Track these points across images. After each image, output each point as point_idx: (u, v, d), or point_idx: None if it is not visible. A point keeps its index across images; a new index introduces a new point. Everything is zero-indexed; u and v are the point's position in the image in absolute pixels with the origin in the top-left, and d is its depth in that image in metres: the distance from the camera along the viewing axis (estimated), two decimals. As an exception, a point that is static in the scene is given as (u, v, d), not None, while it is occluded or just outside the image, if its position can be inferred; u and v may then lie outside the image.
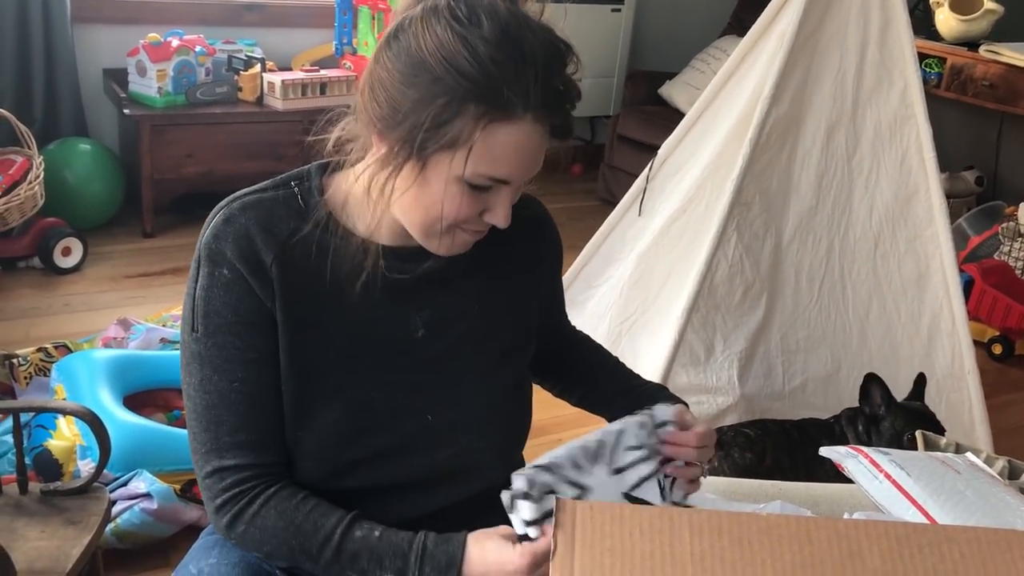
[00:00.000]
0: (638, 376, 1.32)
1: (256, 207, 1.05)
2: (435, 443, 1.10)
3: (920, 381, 2.32)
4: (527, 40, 0.94)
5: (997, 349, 3.41)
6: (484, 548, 0.98)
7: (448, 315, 1.11)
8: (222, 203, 1.07)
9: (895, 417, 2.17)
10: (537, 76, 0.93)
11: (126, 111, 3.46)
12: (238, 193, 1.08)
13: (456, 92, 0.92)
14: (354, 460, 1.08)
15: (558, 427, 2.31)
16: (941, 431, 2.11)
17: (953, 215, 3.44)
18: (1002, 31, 3.85)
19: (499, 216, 1.01)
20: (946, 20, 3.87)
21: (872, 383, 2.22)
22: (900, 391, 2.32)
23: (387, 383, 1.08)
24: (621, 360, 1.35)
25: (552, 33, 0.98)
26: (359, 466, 1.08)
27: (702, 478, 1.13)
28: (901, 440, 2.11)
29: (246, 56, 3.72)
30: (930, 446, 1.52)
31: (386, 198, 1.01)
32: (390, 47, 0.97)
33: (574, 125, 1.01)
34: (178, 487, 2.02)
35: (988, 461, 1.45)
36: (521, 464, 1.18)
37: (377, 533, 1.02)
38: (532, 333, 1.21)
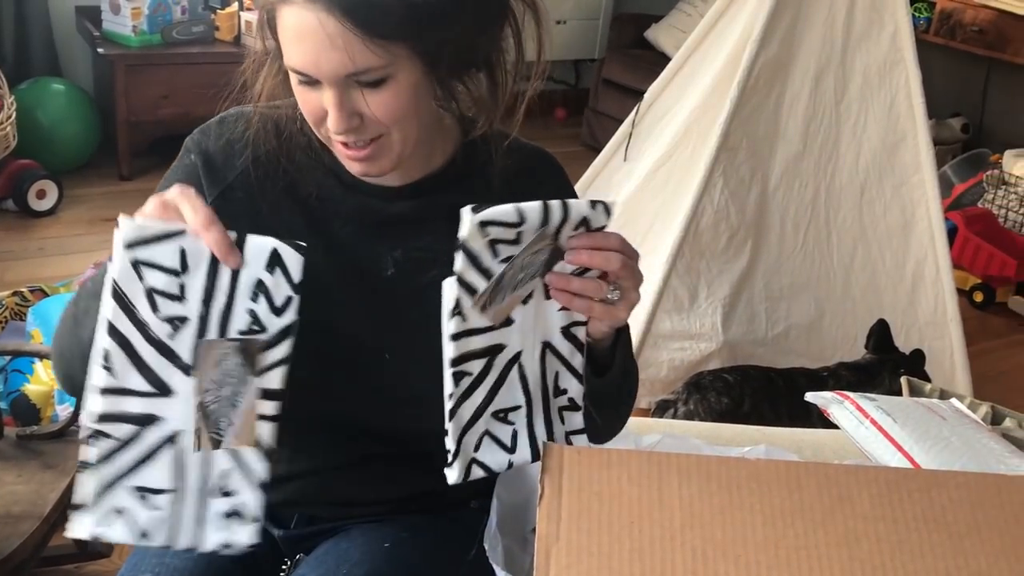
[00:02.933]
0: None
1: (246, 117, 1.05)
2: (390, 384, 1.08)
3: (884, 328, 2.34)
4: None
5: (979, 297, 3.42)
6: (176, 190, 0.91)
7: (422, 257, 1.07)
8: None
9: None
10: None
11: (100, 50, 3.38)
12: (244, 106, 1.07)
13: None
14: (303, 384, 1.06)
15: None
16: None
17: (939, 162, 3.43)
18: (993, -25, 3.80)
19: (331, 118, 0.93)
20: (937, -36, 3.83)
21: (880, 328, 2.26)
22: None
23: (348, 313, 1.06)
24: None
25: None
26: (307, 391, 1.06)
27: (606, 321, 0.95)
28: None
29: (223, -6, 3.63)
30: (915, 392, 1.52)
31: (266, 86, 1.01)
32: None
33: (396, 16, 0.89)
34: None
35: (972, 407, 1.46)
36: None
37: None
38: None
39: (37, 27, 3.52)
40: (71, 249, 3.03)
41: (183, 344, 0.85)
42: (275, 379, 0.89)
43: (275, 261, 0.85)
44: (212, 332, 0.85)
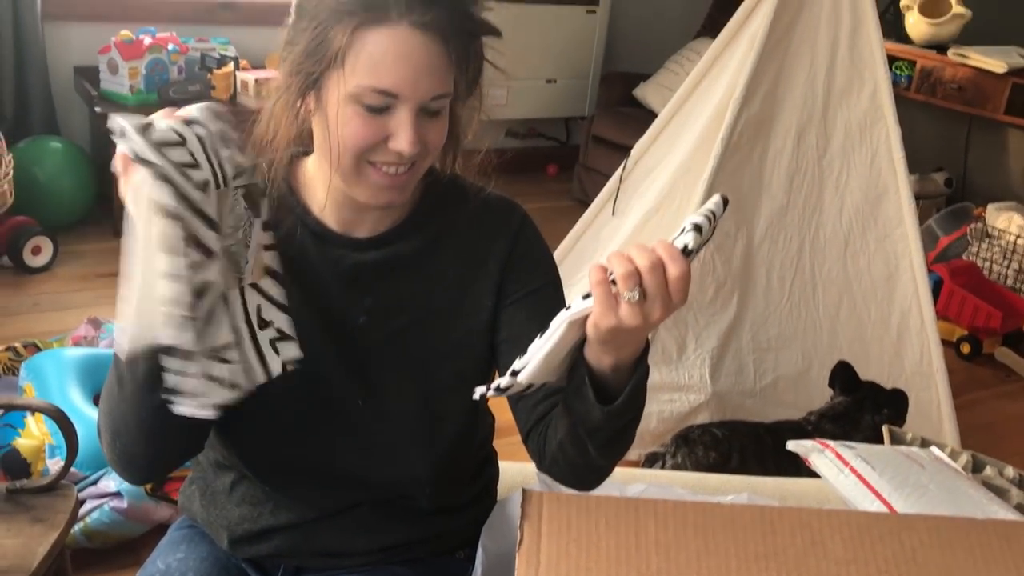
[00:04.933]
0: None
1: None
2: (362, 430, 1.10)
3: (845, 368, 2.36)
4: None
5: (965, 348, 3.45)
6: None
7: (391, 305, 1.10)
8: None
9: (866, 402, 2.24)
10: None
11: (97, 109, 3.43)
12: None
13: (331, 8, 0.94)
14: (279, 429, 1.08)
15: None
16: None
17: (923, 216, 3.49)
18: (970, 34, 3.90)
19: (401, 140, 0.96)
20: (916, 23, 3.92)
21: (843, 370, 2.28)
22: (869, 389, 2.36)
23: (323, 362, 1.08)
24: None
25: None
26: (283, 436, 1.08)
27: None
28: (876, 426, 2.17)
29: (219, 54, 3.70)
30: (896, 440, 1.54)
31: (282, 131, 1.02)
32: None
33: (478, 59, 0.97)
34: (148, 486, 2.01)
35: (952, 455, 1.48)
36: (456, 468, 1.15)
37: None
38: (482, 338, 1.13)
39: (36, 87, 3.58)
40: (66, 305, 3.05)
41: (210, 204, 0.91)
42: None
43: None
44: (221, 184, 0.93)
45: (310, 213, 1.09)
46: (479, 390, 0.92)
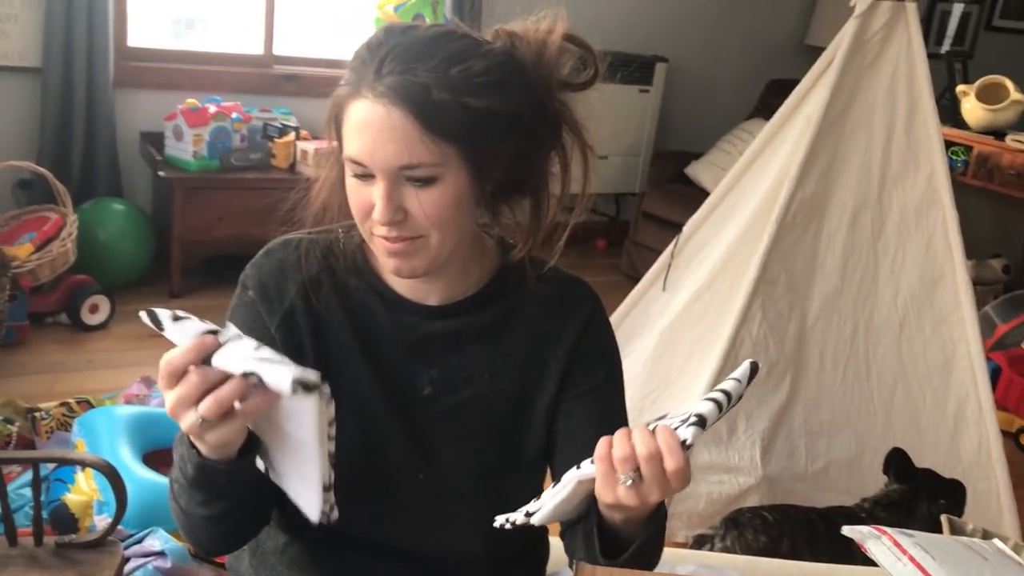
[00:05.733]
0: None
1: (294, 245, 1.11)
2: (421, 504, 1.09)
3: (900, 455, 2.29)
4: (405, 35, 0.97)
5: (1025, 440, 3.35)
6: None
7: (456, 377, 1.10)
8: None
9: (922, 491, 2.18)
10: (383, 60, 0.95)
11: (161, 173, 3.53)
12: (291, 231, 1.13)
13: (344, 81, 0.99)
14: (338, 492, 1.07)
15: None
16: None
17: (980, 302, 3.42)
18: (1028, 121, 3.88)
19: (376, 209, 0.97)
20: (972, 109, 3.91)
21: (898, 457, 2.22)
22: (925, 477, 2.29)
23: (386, 432, 1.08)
24: None
25: (459, 37, 0.98)
26: (341, 500, 1.08)
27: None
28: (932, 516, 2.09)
29: (281, 124, 3.81)
30: (956, 530, 1.49)
31: (336, 201, 1.06)
32: None
33: (453, 118, 0.94)
34: (192, 548, 2.01)
35: (1016, 549, 1.42)
36: (510, 547, 1.15)
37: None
38: (543, 422, 1.12)
39: (104, 150, 3.70)
40: (120, 363, 3.09)
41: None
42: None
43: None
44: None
45: (381, 280, 1.10)
46: (499, 519, 0.97)
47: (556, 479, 1.03)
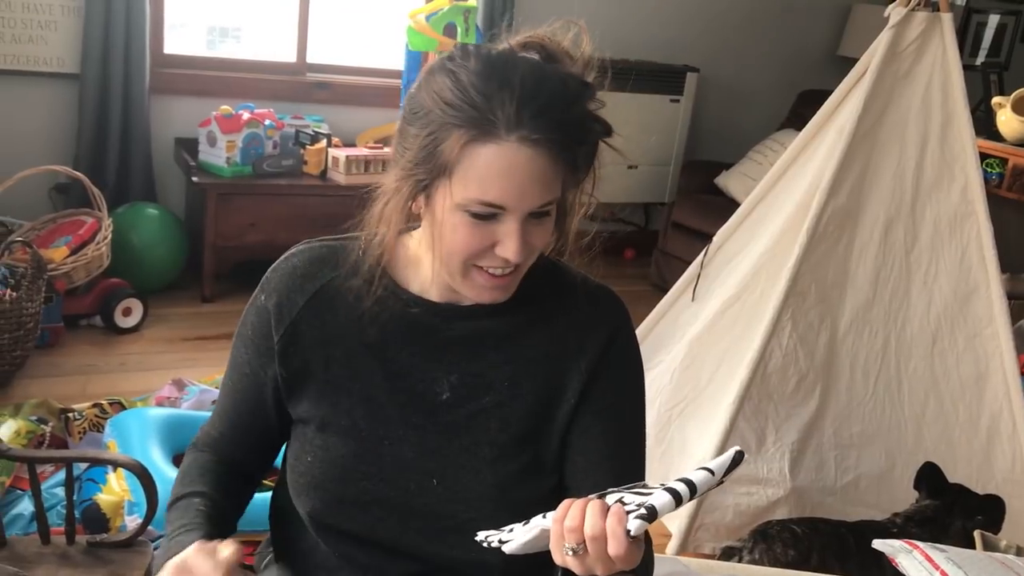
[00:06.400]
0: None
1: (314, 251, 1.13)
2: (435, 510, 1.09)
3: (933, 470, 2.25)
4: (513, 69, 0.97)
5: (1059, 456, 3.30)
6: (192, 552, 1.01)
7: (475, 383, 1.10)
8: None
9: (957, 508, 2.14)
10: (520, 99, 0.94)
11: (194, 179, 3.57)
12: (314, 238, 1.15)
13: (443, 120, 0.96)
14: (353, 500, 1.08)
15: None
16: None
17: (1015, 317, 3.37)
18: (1065, 134, 3.82)
19: (508, 248, 0.98)
20: (1008, 121, 3.86)
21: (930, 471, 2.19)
22: (957, 492, 2.26)
23: (400, 436, 1.09)
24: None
25: (558, 70, 1.00)
26: (356, 508, 1.08)
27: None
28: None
29: (313, 131, 3.84)
30: (989, 547, 1.47)
31: (391, 228, 1.05)
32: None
33: (588, 157, 1.00)
34: (220, 549, 2.02)
35: (1051, 566, 1.40)
36: (524, 557, 1.14)
37: (195, 503, 1.12)
38: (559, 432, 1.11)
39: (139, 156, 3.75)
40: (151, 366, 3.13)
41: None
42: None
43: None
44: None
45: (401, 286, 1.10)
46: (481, 534, 0.97)
47: (566, 491, 1.04)
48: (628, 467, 1.11)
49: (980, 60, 5.36)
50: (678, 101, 4.81)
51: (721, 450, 2.46)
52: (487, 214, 0.97)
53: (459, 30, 3.75)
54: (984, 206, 2.49)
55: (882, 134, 2.51)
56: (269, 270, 1.15)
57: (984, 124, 3.89)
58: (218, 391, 2.82)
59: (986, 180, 3.02)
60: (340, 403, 1.10)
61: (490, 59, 0.97)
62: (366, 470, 1.08)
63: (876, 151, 2.51)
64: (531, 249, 1.02)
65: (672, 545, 2.43)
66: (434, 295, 1.11)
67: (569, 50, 1.03)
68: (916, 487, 2.27)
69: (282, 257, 1.15)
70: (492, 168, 0.95)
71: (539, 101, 0.95)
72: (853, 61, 2.65)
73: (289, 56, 4.17)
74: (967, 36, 5.53)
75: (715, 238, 2.87)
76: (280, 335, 1.10)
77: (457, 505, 1.08)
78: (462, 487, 1.09)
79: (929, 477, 2.24)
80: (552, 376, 1.11)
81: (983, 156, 3.46)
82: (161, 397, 2.73)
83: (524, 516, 1.01)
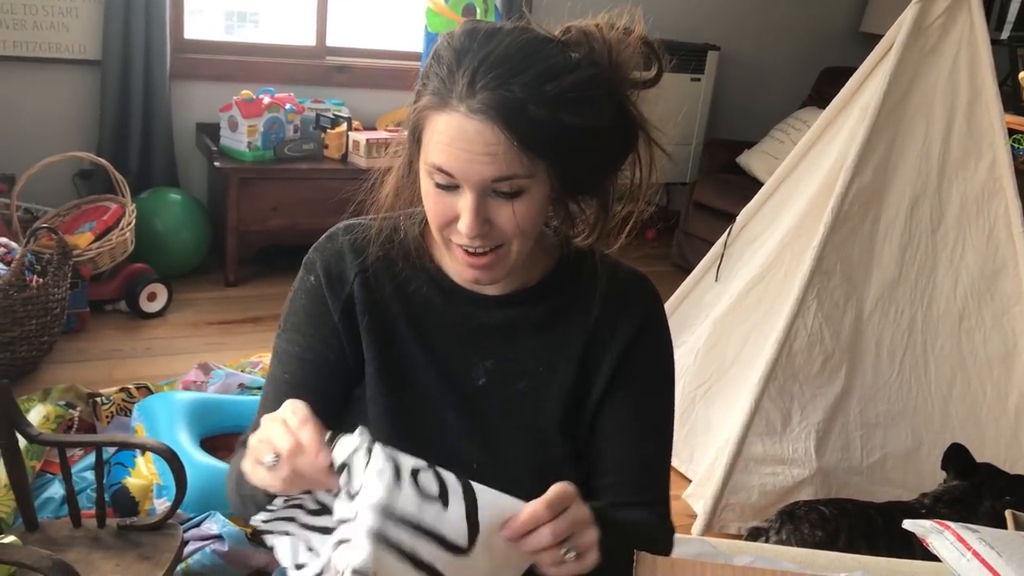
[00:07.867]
0: None
1: (356, 230, 1.12)
2: None
3: (960, 451, 2.23)
4: (490, 42, 0.95)
5: (1088, 434, 3.27)
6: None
7: (511, 369, 1.10)
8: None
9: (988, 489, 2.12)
10: (475, 72, 0.93)
11: (216, 164, 3.58)
12: (353, 218, 1.14)
13: (422, 88, 0.98)
14: None
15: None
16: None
17: (1042, 294, 3.34)
18: (1094, 108, 3.77)
19: (463, 221, 0.97)
20: (1035, 96, 3.81)
21: (958, 452, 2.18)
22: (985, 471, 2.24)
23: (440, 420, 1.09)
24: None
25: (550, 49, 0.96)
26: None
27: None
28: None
29: (333, 115, 3.84)
30: (1020, 526, 1.46)
31: (400, 202, 1.07)
32: None
33: (548, 134, 0.94)
34: (249, 531, 2.04)
35: (1083, 545, 1.39)
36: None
37: None
38: (591, 415, 1.12)
39: (161, 141, 3.76)
40: (177, 350, 3.15)
41: None
42: None
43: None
44: None
45: (440, 268, 1.10)
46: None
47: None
48: (653, 455, 1.12)
49: (1006, 34, 5.28)
50: (699, 80, 4.78)
51: (746, 431, 2.45)
52: (447, 184, 0.97)
53: (478, 11, 3.73)
54: (1012, 182, 2.45)
55: (908, 111, 2.48)
56: (312, 250, 1.13)
57: (1011, 99, 3.84)
58: (244, 375, 2.82)
59: (1014, 156, 2.98)
60: (386, 383, 1.09)
61: (475, 31, 0.97)
62: (409, 452, 1.08)
63: (902, 129, 2.48)
64: (499, 229, 0.98)
65: (697, 525, 2.43)
66: (460, 277, 1.10)
67: (606, 35, 0.99)
68: (943, 468, 2.26)
69: (325, 236, 1.14)
70: (444, 136, 0.95)
71: (498, 73, 0.92)
72: (875, 37, 2.61)
73: (309, 40, 4.17)
74: (992, 9, 5.45)
75: (739, 217, 2.85)
76: (340, 312, 1.09)
77: (498, 486, 1.09)
78: (501, 472, 1.09)
79: (956, 458, 2.22)
80: (585, 362, 1.11)
81: (1010, 132, 3.41)
82: (187, 381, 2.75)
83: None
